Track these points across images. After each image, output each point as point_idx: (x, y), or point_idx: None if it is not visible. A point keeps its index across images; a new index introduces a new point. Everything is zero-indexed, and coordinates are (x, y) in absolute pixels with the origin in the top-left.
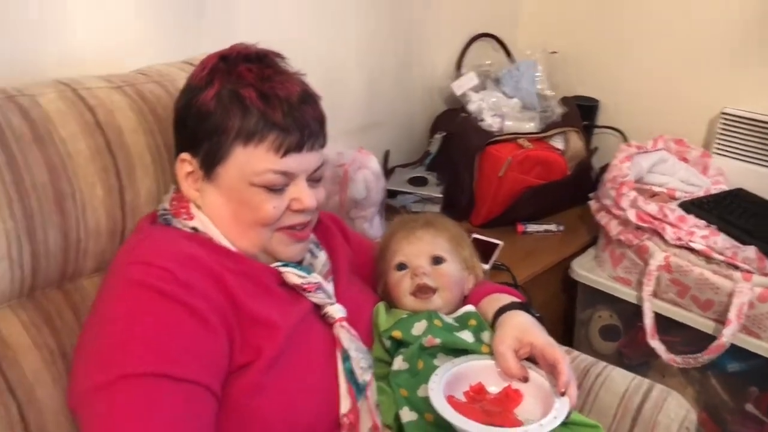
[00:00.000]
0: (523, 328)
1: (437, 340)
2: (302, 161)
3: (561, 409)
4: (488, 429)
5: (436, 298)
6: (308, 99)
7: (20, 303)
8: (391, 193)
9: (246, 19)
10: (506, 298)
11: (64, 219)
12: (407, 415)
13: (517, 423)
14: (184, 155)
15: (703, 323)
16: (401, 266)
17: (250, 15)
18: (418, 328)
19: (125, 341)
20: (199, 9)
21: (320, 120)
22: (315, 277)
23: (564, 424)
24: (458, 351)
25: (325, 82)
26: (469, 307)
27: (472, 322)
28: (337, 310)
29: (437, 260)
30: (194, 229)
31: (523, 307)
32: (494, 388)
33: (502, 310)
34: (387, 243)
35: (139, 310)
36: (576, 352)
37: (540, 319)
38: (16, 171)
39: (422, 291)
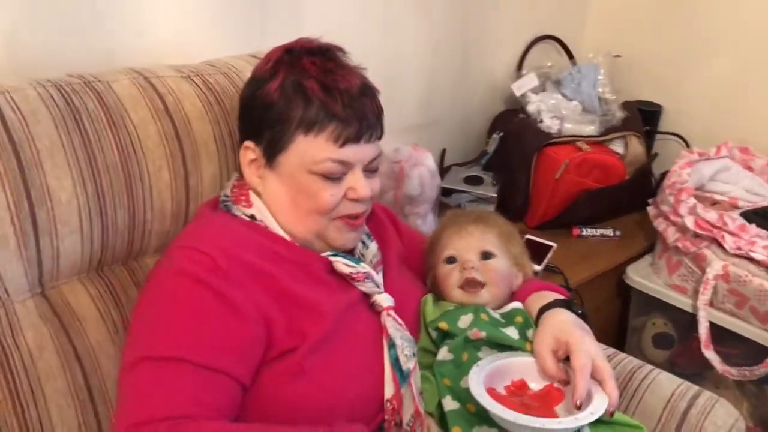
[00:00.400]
0: (562, 327)
1: (482, 334)
2: (359, 152)
3: (598, 405)
4: (521, 416)
5: (484, 293)
6: (367, 92)
7: (89, 277)
8: (446, 192)
9: (311, 15)
10: (550, 296)
11: (132, 199)
12: (450, 404)
13: (554, 417)
14: (248, 143)
15: (761, 335)
16: (451, 259)
17: (315, 11)
18: (465, 320)
19: (152, 325)
20: (265, 5)
21: (378, 113)
22: (364, 267)
23: (607, 423)
24: (503, 346)
25: (385, 78)
26: (517, 304)
27: (519, 319)
28: (384, 299)
29: (486, 255)
30: (251, 216)
31: (565, 304)
32: (536, 385)
33: (545, 308)
34: (438, 236)
35: (174, 296)
36: (623, 355)
37: (583, 317)
38: (90, 151)
39: (470, 284)
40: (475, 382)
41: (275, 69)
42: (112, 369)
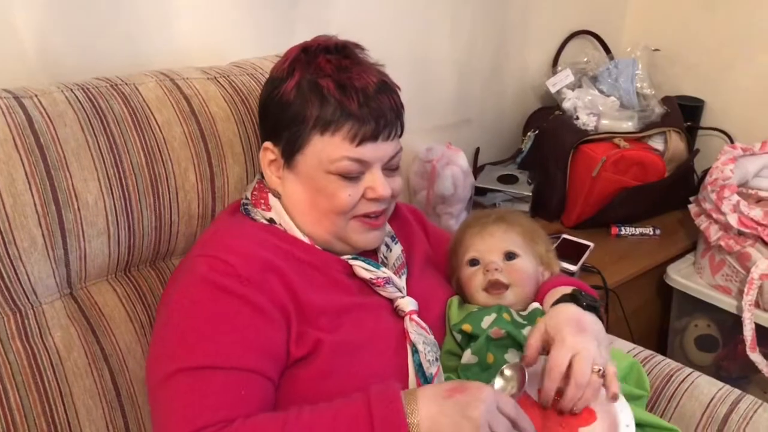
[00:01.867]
0: (555, 323)
1: (503, 332)
2: (377, 150)
3: None
4: None
5: (509, 294)
6: (385, 89)
7: (117, 278)
8: (481, 191)
9: (341, 16)
10: (562, 291)
11: (158, 200)
12: None
13: None
14: (267, 144)
15: None
16: (473, 262)
17: (346, 12)
18: (487, 321)
19: (182, 336)
20: (295, 5)
21: (397, 110)
22: (384, 272)
23: (640, 425)
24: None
25: (418, 77)
26: (536, 305)
27: (539, 320)
28: (407, 303)
29: (510, 256)
30: (270, 220)
31: (572, 299)
32: None
33: (553, 305)
34: (460, 238)
35: (198, 305)
36: (660, 357)
37: (592, 309)
38: (116, 153)
39: (494, 287)
40: None
41: (292, 68)
42: (139, 370)
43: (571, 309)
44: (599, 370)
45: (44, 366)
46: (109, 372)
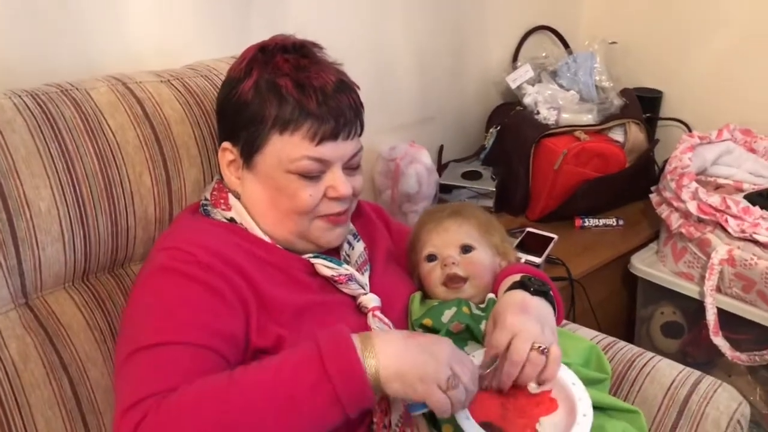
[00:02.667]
0: (500, 309)
1: (463, 325)
2: (337, 149)
3: None
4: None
5: (467, 287)
6: (344, 88)
7: (75, 286)
8: (446, 188)
9: (296, 15)
10: (513, 279)
11: (113, 205)
12: None
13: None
14: (226, 144)
15: None
16: (431, 257)
17: (301, 11)
18: (447, 315)
19: (141, 321)
20: (249, 5)
21: (356, 109)
22: (346, 269)
23: (602, 409)
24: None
25: (378, 76)
26: (492, 295)
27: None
28: (370, 300)
29: (466, 249)
30: (231, 219)
31: (521, 285)
32: (535, 387)
33: (505, 292)
34: (417, 235)
35: (158, 292)
36: (623, 343)
37: (541, 293)
38: (68, 159)
39: (452, 281)
40: None
41: (249, 68)
42: (100, 378)
43: (518, 295)
44: (540, 347)
45: None
46: (69, 381)
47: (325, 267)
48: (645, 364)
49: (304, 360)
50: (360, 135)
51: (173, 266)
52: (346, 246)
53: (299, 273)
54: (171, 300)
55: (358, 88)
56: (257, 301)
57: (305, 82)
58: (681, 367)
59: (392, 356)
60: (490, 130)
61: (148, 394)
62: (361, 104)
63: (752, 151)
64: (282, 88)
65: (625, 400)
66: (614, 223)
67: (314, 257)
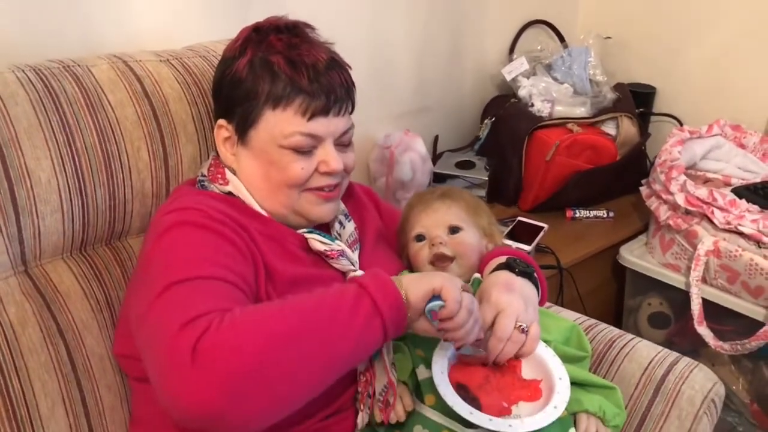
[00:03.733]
0: (486, 287)
1: None
2: (329, 125)
3: (540, 419)
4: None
5: (454, 266)
6: (335, 65)
7: (72, 256)
8: (439, 177)
9: (296, 2)
10: (498, 260)
11: (111, 178)
12: (423, 373)
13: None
14: (221, 121)
15: (753, 310)
16: (420, 237)
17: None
18: None
19: (167, 264)
20: None
21: (347, 86)
22: (338, 245)
23: (580, 385)
24: None
25: (376, 65)
26: (477, 275)
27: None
28: (359, 276)
29: (454, 230)
30: (228, 193)
31: (506, 266)
32: (528, 372)
33: (491, 273)
34: (406, 216)
35: (178, 239)
36: (603, 325)
37: (526, 275)
38: (68, 132)
39: (440, 260)
40: (438, 356)
41: (244, 47)
42: (95, 345)
43: (503, 275)
44: (521, 326)
45: None
46: (65, 347)
47: (318, 242)
48: (625, 345)
49: (346, 285)
50: (351, 112)
51: (188, 220)
52: (337, 225)
53: (293, 247)
54: (193, 244)
55: (350, 67)
56: (264, 266)
57: (297, 59)
58: (659, 348)
59: (408, 277)
60: (485, 121)
61: (204, 311)
62: (353, 83)
63: (741, 146)
64: (274, 65)
65: (604, 378)
66: (605, 215)
67: (308, 232)
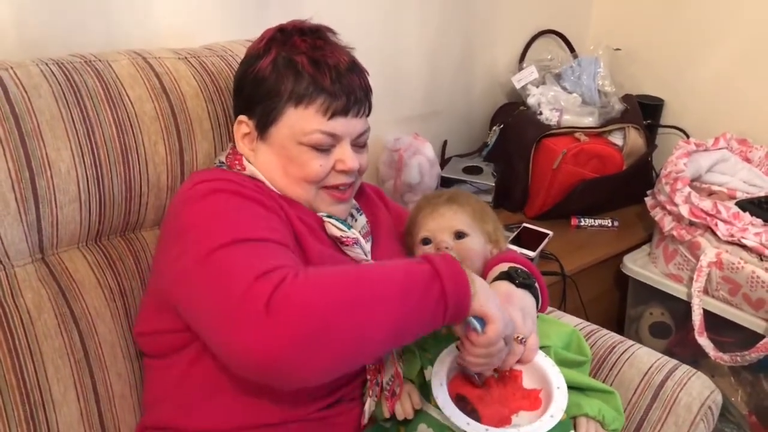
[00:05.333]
0: (483, 300)
1: None
2: (347, 125)
3: (538, 427)
4: (455, 412)
5: None
6: (355, 69)
7: (88, 246)
8: (447, 181)
9: (312, 7)
10: (500, 268)
11: (128, 171)
12: (430, 373)
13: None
14: (242, 117)
15: (754, 322)
16: (426, 241)
17: (317, 2)
18: None
19: (213, 225)
20: None
21: (366, 89)
22: (354, 233)
23: (580, 389)
24: None
25: (388, 69)
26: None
27: None
28: None
29: (460, 235)
30: (249, 177)
31: (507, 276)
32: (529, 383)
33: (492, 282)
34: (413, 219)
35: (217, 203)
36: (605, 331)
37: (525, 286)
38: (88, 125)
39: None
40: (436, 382)
41: (268, 46)
42: (107, 333)
43: (503, 286)
44: (519, 337)
45: (15, 325)
46: (79, 334)
47: (335, 227)
48: (625, 351)
49: (420, 265)
50: (368, 115)
51: (224, 188)
52: (349, 219)
53: (315, 226)
54: (233, 209)
55: (368, 72)
56: (293, 232)
57: (320, 60)
58: (659, 355)
59: (480, 283)
60: (494, 128)
61: (278, 265)
62: (370, 87)
63: (747, 160)
64: (298, 65)
65: (603, 382)
66: (609, 224)
67: (327, 217)
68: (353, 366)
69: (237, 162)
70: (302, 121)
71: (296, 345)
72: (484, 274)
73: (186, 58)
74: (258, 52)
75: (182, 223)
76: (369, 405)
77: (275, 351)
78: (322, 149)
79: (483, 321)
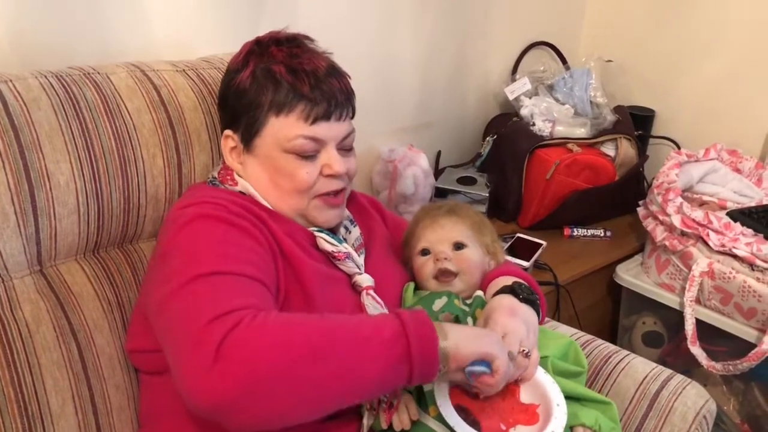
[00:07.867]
0: (491, 313)
1: (453, 316)
2: (330, 129)
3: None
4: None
5: (457, 282)
6: (334, 73)
7: (86, 258)
8: (441, 192)
9: (306, 17)
10: (503, 282)
11: (127, 183)
12: (427, 385)
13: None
14: (227, 132)
15: (745, 332)
16: (425, 252)
17: (310, 13)
18: (438, 304)
19: (191, 255)
20: (262, 4)
21: (347, 92)
22: (345, 247)
23: (576, 399)
24: None
25: (381, 80)
26: (479, 292)
27: (479, 311)
28: (364, 279)
29: (458, 246)
30: (240, 192)
31: (510, 290)
32: (526, 397)
33: (494, 296)
34: (412, 230)
35: (202, 232)
36: (600, 341)
37: (529, 302)
38: (87, 137)
39: (444, 275)
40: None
41: (246, 59)
42: (105, 345)
43: (507, 299)
44: (524, 351)
45: (13, 337)
46: (77, 346)
47: (326, 242)
48: (620, 361)
49: (387, 320)
50: (352, 118)
51: (209, 213)
52: (342, 230)
53: (305, 242)
54: (219, 238)
55: (349, 76)
56: (280, 252)
57: (298, 67)
58: (654, 365)
59: (459, 333)
60: (487, 139)
61: (236, 307)
62: (352, 90)
63: (737, 171)
64: (276, 74)
65: (599, 392)
66: (602, 234)
67: (318, 231)
68: (306, 418)
69: (228, 177)
70: (285, 128)
71: (239, 393)
72: (483, 287)
73: (184, 70)
74: (237, 66)
75: (168, 248)
76: (367, 418)
77: (217, 397)
78: (307, 156)
79: (487, 362)
